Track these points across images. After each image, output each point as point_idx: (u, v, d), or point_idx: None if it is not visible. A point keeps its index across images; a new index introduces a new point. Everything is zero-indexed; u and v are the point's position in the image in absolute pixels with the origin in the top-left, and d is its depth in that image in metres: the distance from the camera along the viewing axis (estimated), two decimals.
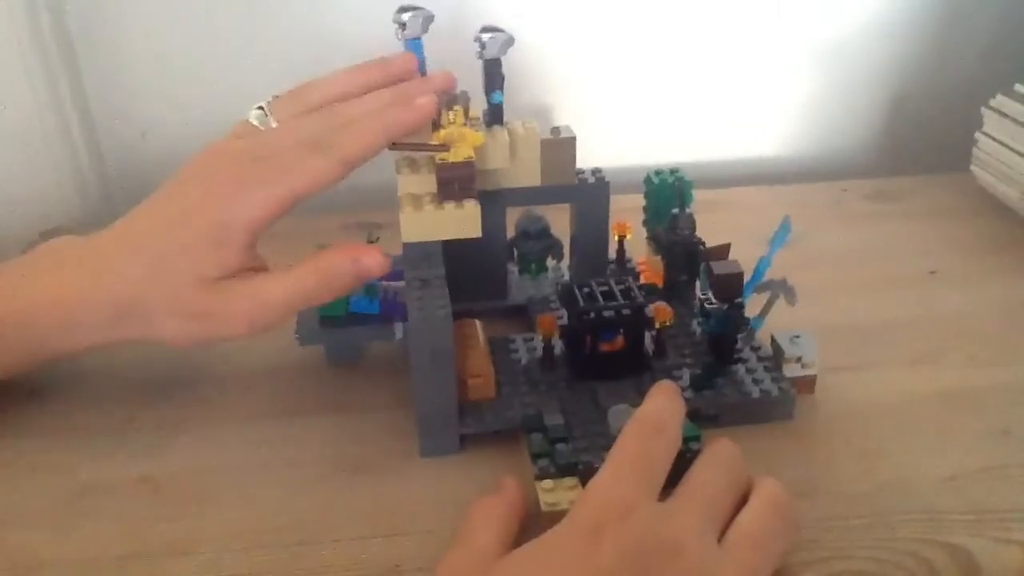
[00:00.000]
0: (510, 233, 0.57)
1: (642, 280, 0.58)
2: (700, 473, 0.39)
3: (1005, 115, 0.69)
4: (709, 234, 0.56)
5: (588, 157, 0.54)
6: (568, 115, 0.77)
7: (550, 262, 0.59)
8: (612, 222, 0.57)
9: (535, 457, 0.44)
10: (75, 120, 0.73)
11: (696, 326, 0.54)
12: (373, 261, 0.45)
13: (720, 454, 0.40)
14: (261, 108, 0.49)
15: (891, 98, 0.83)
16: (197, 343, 0.46)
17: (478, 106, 0.52)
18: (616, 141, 0.78)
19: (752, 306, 0.51)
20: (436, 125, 0.48)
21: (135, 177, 0.76)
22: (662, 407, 0.40)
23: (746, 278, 0.50)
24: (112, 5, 0.71)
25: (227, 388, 0.53)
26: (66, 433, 0.49)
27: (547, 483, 0.43)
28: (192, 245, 0.44)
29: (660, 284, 0.57)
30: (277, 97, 0.50)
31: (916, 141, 0.83)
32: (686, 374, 0.50)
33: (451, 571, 0.37)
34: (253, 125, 0.48)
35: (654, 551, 0.34)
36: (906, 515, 0.42)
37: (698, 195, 0.59)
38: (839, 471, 0.45)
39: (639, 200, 0.60)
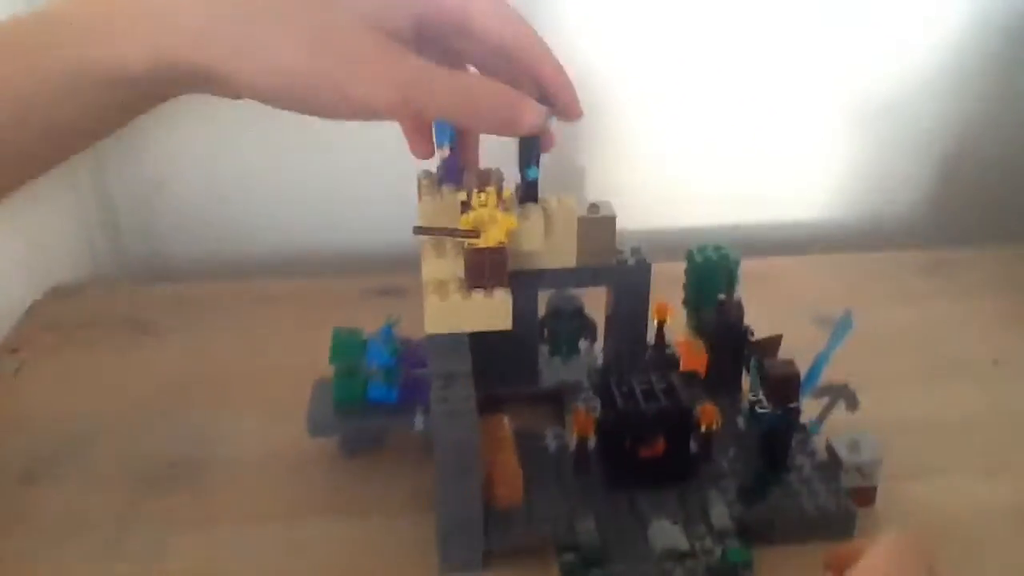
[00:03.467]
0: (541, 311, 0.53)
1: (681, 366, 0.54)
2: None
3: None
4: (753, 308, 0.52)
5: (621, 219, 0.49)
6: (601, 176, 0.74)
7: (582, 343, 0.55)
8: (652, 302, 0.52)
9: None
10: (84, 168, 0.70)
11: (741, 424, 0.49)
12: (533, 117, 0.39)
13: None
14: None
15: (944, 161, 0.78)
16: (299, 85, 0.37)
17: (510, 182, 0.48)
18: (652, 203, 0.73)
19: (807, 406, 0.46)
20: (466, 207, 0.44)
21: (149, 231, 0.72)
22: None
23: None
24: None
25: (233, 479, 0.49)
26: (57, 527, 0.45)
27: None
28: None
29: (701, 371, 0.53)
30: None
31: (972, 209, 0.78)
32: (732, 487, 0.45)
33: None
34: None
35: None
36: None
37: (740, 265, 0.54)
38: None
39: (676, 269, 0.55)
